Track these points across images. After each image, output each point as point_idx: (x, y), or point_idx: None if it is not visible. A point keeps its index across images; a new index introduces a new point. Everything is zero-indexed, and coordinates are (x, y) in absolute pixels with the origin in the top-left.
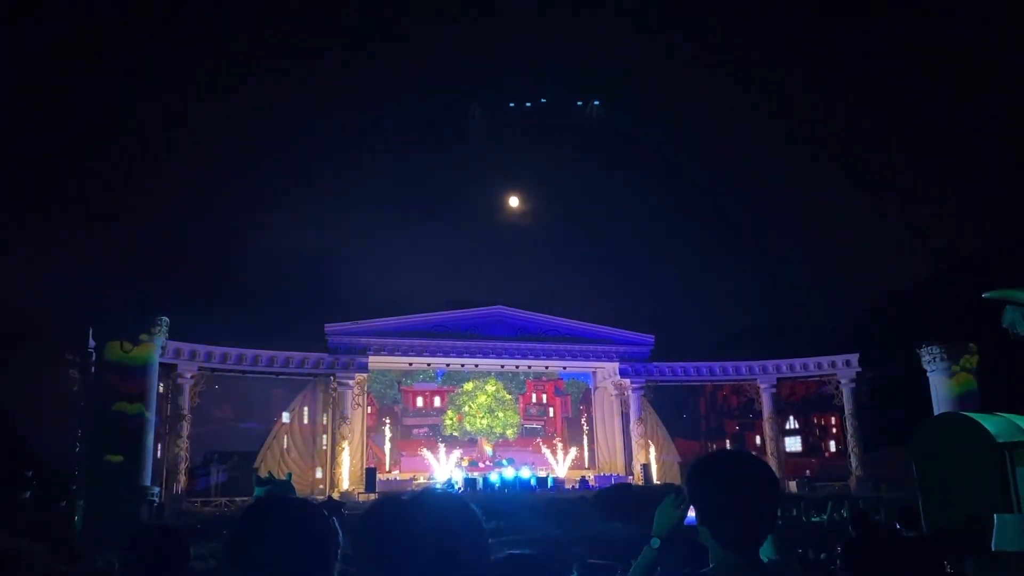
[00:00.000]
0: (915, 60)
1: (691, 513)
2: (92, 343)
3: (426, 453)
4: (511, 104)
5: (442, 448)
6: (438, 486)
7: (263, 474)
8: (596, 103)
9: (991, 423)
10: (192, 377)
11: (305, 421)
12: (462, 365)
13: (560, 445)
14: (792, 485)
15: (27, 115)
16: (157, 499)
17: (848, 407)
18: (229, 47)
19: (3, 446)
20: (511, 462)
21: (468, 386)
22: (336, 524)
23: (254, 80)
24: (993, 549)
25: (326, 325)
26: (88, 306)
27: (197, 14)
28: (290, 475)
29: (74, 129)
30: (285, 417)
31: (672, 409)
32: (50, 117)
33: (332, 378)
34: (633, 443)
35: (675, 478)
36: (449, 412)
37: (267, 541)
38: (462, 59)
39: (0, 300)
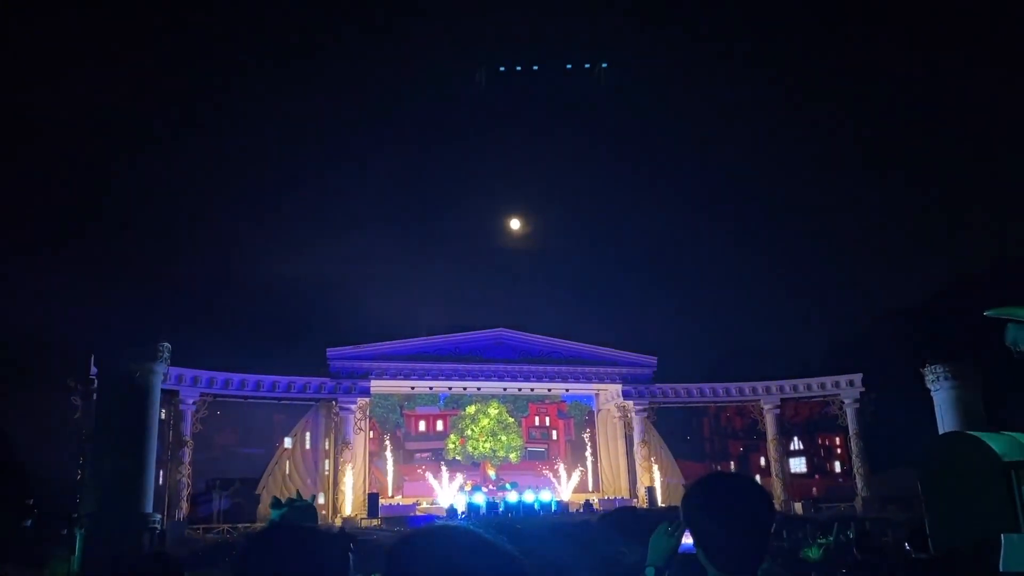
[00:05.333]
0: (925, 73)
1: (687, 539)
2: (94, 370)
3: (429, 477)
4: (511, 124)
5: (445, 472)
6: (442, 506)
7: (285, 497)
8: (596, 121)
9: (996, 442)
10: (194, 403)
11: (307, 446)
12: (464, 388)
13: (564, 468)
14: (797, 507)
15: (25, 137)
16: (159, 526)
17: (852, 427)
18: (231, 71)
19: (4, 473)
20: (515, 486)
21: (471, 409)
22: (351, 559)
23: (256, 105)
24: (1001, 570)
25: (328, 349)
26: (89, 332)
27: (201, 41)
28: (313, 497)
29: (73, 153)
30: (287, 442)
31: (676, 431)
32: (50, 140)
33: (334, 403)
34: (637, 465)
35: (680, 500)
36: (452, 436)
37: (272, 570)
38: (460, 76)
39: (1, 327)
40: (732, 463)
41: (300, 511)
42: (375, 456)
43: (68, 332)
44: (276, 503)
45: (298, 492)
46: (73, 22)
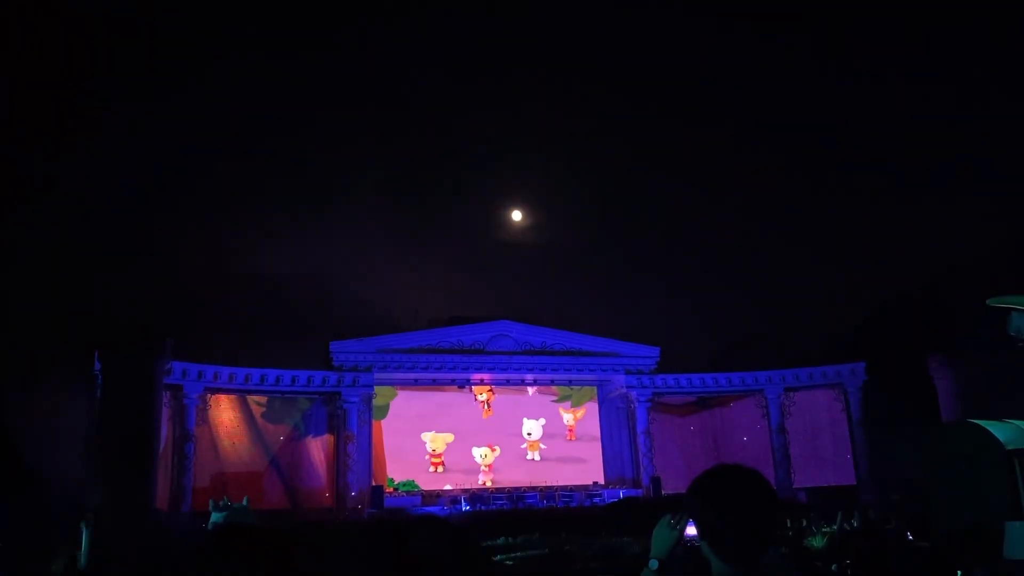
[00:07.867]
0: (914, 62)
1: (691, 530)
2: (97, 365)
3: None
4: (511, 114)
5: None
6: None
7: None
8: (597, 111)
9: (999, 430)
10: (197, 397)
11: (311, 439)
12: (468, 381)
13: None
14: (801, 495)
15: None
16: (164, 521)
17: (856, 416)
18: (228, 64)
19: (9, 469)
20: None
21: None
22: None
23: (253, 98)
24: (1005, 556)
25: (331, 343)
26: (93, 328)
27: (198, 31)
28: (247, 499)
29: (71, 149)
30: (291, 436)
31: (680, 420)
32: (51, 136)
33: (337, 396)
34: (641, 455)
35: (684, 490)
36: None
37: (228, 570)
38: (462, 66)
39: (3, 323)
40: (736, 453)
41: (239, 512)
42: (378, 448)
43: (72, 327)
44: (216, 507)
45: (225, 498)
46: (72, 23)
